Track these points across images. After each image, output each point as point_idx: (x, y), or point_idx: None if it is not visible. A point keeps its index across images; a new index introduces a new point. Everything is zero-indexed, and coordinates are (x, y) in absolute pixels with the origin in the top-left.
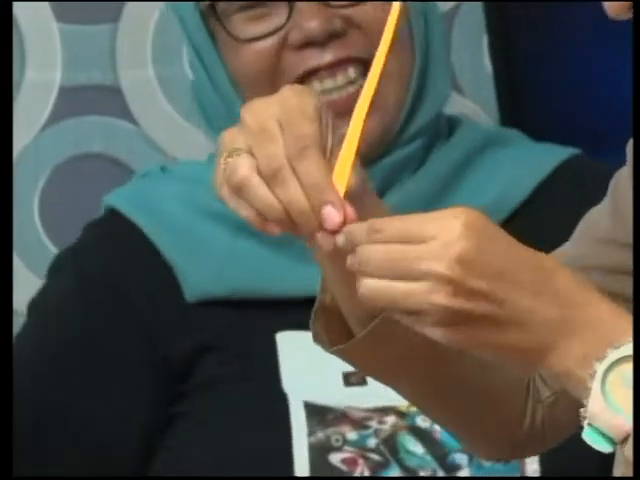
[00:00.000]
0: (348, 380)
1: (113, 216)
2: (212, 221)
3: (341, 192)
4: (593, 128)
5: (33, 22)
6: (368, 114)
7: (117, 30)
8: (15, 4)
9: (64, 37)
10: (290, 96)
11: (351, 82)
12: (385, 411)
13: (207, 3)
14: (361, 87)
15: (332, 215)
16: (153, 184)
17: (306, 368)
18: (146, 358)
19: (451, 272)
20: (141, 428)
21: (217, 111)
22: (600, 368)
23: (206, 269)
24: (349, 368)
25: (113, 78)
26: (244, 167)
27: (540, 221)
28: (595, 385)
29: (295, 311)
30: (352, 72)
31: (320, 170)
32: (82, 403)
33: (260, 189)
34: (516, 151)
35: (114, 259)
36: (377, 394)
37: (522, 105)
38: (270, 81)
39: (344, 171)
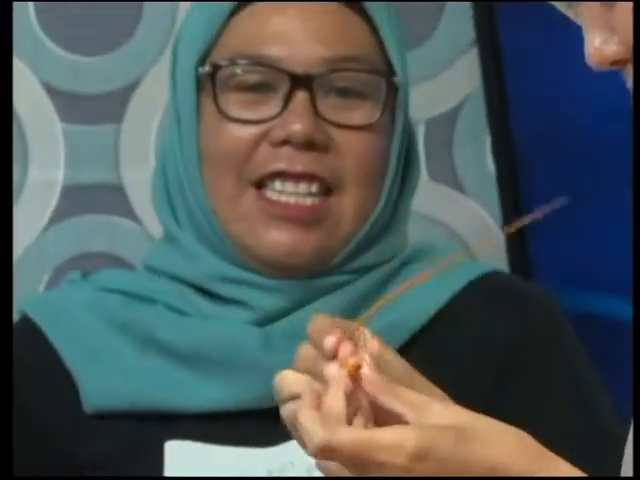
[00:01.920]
0: None
1: (23, 324)
2: (119, 332)
3: None
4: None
5: (36, 121)
6: (310, 230)
7: (120, 130)
8: (19, 104)
9: (67, 137)
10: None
11: (310, 194)
12: None
13: (209, 70)
14: (317, 202)
15: None
16: (69, 292)
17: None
18: (46, 469)
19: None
20: None
21: (176, 181)
22: None
23: (106, 382)
24: None
25: (116, 177)
26: None
27: (447, 337)
28: None
29: (191, 422)
30: (314, 187)
31: None
32: None
33: None
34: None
35: (15, 368)
36: None
37: (524, 206)
38: (237, 167)
39: None
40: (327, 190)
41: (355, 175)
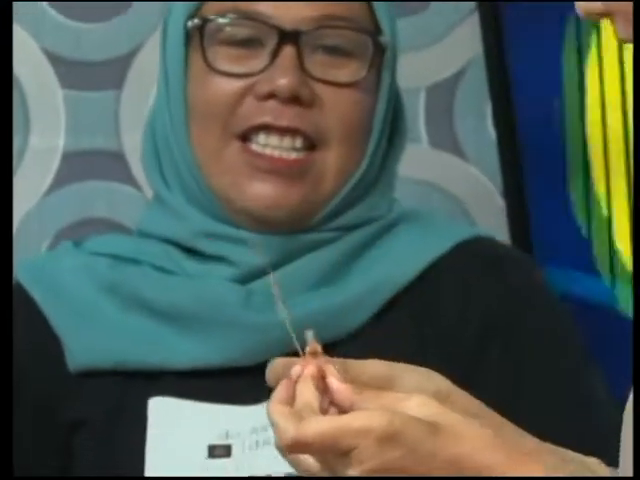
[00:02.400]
0: (213, 452)
1: (15, 286)
2: (105, 293)
3: None
4: None
5: (37, 88)
6: (293, 184)
7: (121, 96)
8: (20, 71)
9: (68, 103)
10: None
11: (294, 149)
12: None
13: (197, 23)
14: (300, 157)
15: None
16: (59, 256)
17: (172, 437)
18: (38, 429)
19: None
20: None
21: (163, 139)
22: None
23: (91, 341)
24: (216, 440)
25: (116, 143)
26: None
27: (432, 298)
28: None
29: (174, 380)
30: (298, 142)
31: None
32: None
33: None
34: (418, 229)
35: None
36: (242, 466)
37: (525, 171)
38: (223, 120)
39: None
40: (311, 146)
41: (339, 132)
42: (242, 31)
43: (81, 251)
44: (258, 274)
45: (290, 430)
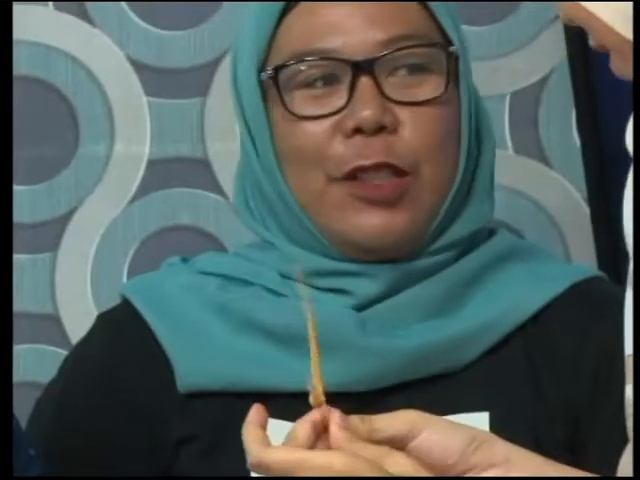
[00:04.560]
0: None
1: (123, 305)
2: (216, 314)
3: None
4: None
5: (122, 96)
6: (397, 210)
7: (205, 103)
8: (104, 79)
9: (153, 111)
10: None
11: (391, 176)
12: None
13: (271, 73)
14: (399, 182)
15: None
16: (168, 275)
17: None
18: (138, 443)
19: None
20: None
21: (257, 187)
22: None
23: (201, 363)
24: None
25: (201, 150)
26: None
27: (547, 337)
28: None
29: (284, 402)
30: (392, 172)
31: None
32: None
33: None
34: (533, 266)
35: (115, 350)
36: None
37: (610, 179)
38: (317, 163)
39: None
40: (401, 174)
41: (428, 151)
42: (315, 71)
43: (190, 269)
44: (373, 302)
45: (255, 452)
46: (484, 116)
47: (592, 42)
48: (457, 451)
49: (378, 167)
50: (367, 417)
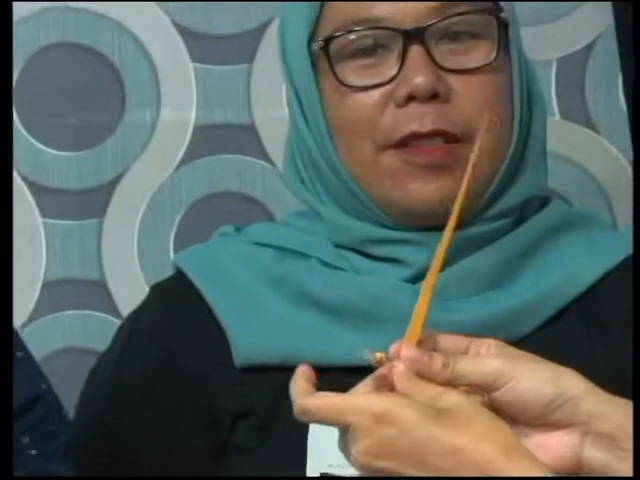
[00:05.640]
0: None
1: (177, 277)
2: (272, 286)
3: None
4: None
5: (168, 62)
6: (451, 176)
7: (252, 70)
8: (151, 46)
9: (199, 77)
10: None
11: (445, 143)
12: None
13: (321, 44)
14: (453, 147)
15: None
16: (222, 246)
17: (332, 434)
18: (195, 418)
19: (360, 461)
20: None
21: (308, 158)
22: None
23: (258, 336)
24: None
25: (248, 117)
26: None
27: (602, 308)
28: None
29: (338, 375)
30: (446, 140)
31: None
32: (132, 456)
33: None
34: (588, 236)
35: (169, 321)
36: None
37: None
38: (369, 133)
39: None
40: (457, 139)
41: (481, 119)
42: (365, 41)
43: (244, 239)
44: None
45: (299, 401)
46: (535, 83)
47: None
48: (537, 408)
49: (432, 134)
50: (451, 361)
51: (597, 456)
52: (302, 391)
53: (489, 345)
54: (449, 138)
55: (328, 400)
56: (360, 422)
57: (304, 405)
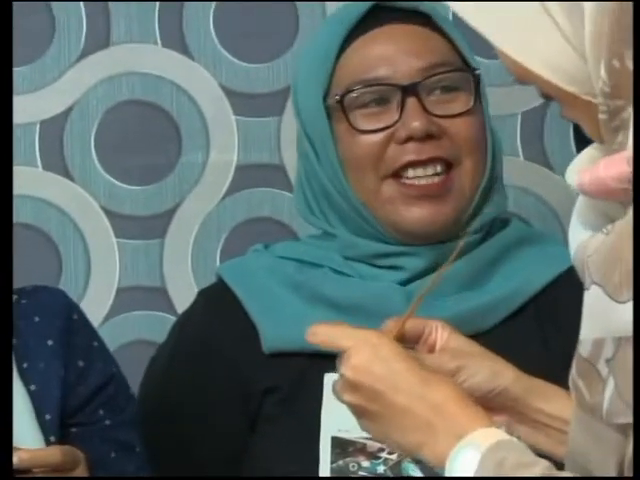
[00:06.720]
0: None
1: (219, 283)
2: (292, 290)
3: None
4: None
5: (216, 115)
6: (442, 202)
7: (282, 121)
8: (201, 102)
9: (240, 127)
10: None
11: (437, 174)
12: None
13: (338, 98)
14: (443, 178)
15: None
16: (254, 259)
17: (341, 405)
18: (232, 394)
19: (348, 374)
20: (227, 452)
21: (319, 189)
22: (449, 463)
23: (281, 329)
24: None
25: (278, 158)
26: None
27: (554, 306)
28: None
29: None
30: (439, 167)
31: None
32: (183, 426)
33: None
34: (542, 248)
35: (212, 319)
36: None
37: None
38: (375, 166)
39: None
40: (448, 166)
41: (466, 150)
42: (371, 95)
43: (271, 254)
44: (418, 277)
45: (312, 328)
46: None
47: (539, 93)
48: (479, 398)
49: (426, 162)
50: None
51: (519, 428)
52: (323, 327)
53: (442, 334)
54: (442, 162)
55: (332, 325)
56: (354, 345)
57: (314, 328)
